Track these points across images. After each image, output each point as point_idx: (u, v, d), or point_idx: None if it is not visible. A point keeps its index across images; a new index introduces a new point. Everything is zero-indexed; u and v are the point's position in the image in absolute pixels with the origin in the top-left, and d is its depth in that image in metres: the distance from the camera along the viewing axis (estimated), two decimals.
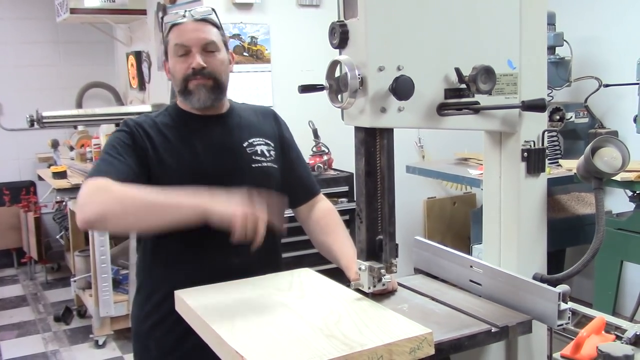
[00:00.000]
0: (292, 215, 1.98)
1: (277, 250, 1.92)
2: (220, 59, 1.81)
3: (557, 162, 3.71)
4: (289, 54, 4.22)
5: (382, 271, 1.42)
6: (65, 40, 6.17)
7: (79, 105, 6.00)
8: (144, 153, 1.74)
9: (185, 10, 1.81)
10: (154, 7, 4.83)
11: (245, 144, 1.84)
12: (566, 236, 3.52)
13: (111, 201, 1.51)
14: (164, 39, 1.85)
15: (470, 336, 1.34)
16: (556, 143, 3.91)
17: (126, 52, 5.73)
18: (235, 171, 1.80)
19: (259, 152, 1.85)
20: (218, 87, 1.81)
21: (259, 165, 1.84)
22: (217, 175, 1.76)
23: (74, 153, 4.93)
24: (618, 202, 3.56)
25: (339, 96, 1.38)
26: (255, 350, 1.20)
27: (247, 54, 4.06)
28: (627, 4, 3.83)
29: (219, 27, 1.84)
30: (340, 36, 1.35)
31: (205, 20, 1.80)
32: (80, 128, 5.27)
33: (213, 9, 1.84)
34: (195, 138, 1.81)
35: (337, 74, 1.39)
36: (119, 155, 1.70)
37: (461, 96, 1.41)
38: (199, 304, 1.45)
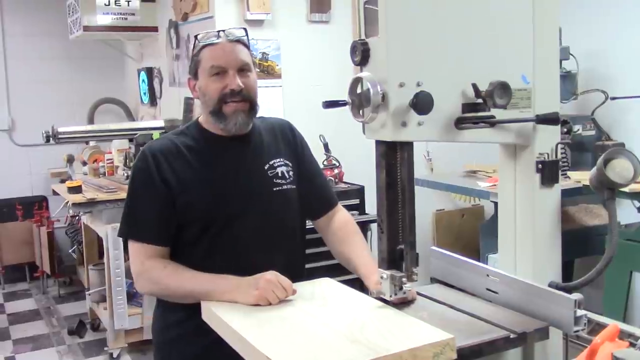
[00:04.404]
0: (311, 226, 2.03)
1: (301, 267, 1.97)
2: (253, 79, 1.84)
3: (566, 173, 3.75)
4: (300, 70, 4.28)
5: (404, 279, 1.46)
6: (77, 57, 6.24)
7: (91, 120, 6.07)
8: (165, 186, 1.79)
9: (219, 31, 1.82)
10: (166, 24, 4.92)
11: (266, 167, 1.88)
12: (575, 247, 3.54)
13: (155, 288, 1.80)
14: (194, 58, 1.84)
15: (490, 342, 1.38)
16: (564, 155, 3.95)
17: (137, 68, 5.82)
18: (258, 195, 1.84)
19: (279, 174, 1.88)
20: (253, 109, 1.84)
21: (280, 188, 1.88)
22: (240, 200, 1.82)
23: (86, 168, 4.99)
24: (626, 213, 3.59)
25: (361, 111, 1.44)
26: (286, 355, 1.24)
27: (258, 70, 4.12)
28: (632, 17, 3.88)
29: (249, 47, 1.86)
30: (361, 54, 1.41)
31: (239, 41, 1.83)
32: (91, 143, 5.34)
33: (245, 29, 1.87)
34: (219, 161, 1.84)
35: (358, 90, 1.44)
36: (145, 208, 1.80)
37: (478, 110, 1.45)
38: (227, 313, 1.49)
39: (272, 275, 1.60)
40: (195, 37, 1.85)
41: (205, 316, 1.59)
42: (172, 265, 1.77)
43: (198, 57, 1.83)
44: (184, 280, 1.73)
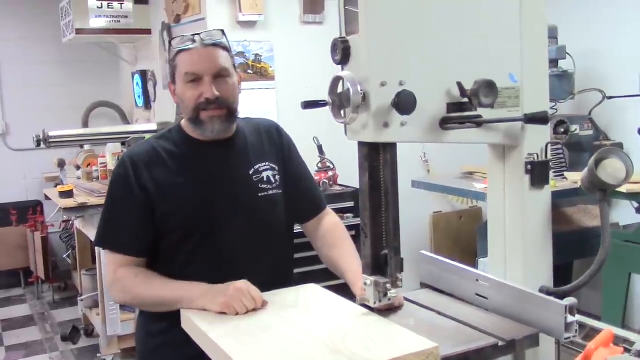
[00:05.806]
0: (300, 230, 1.98)
1: (289, 272, 1.93)
2: (232, 83, 1.77)
3: (563, 174, 3.71)
4: (293, 71, 4.24)
5: (388, 286, 1.41)
6: (70, 60, 6.21)
7: (85, 124, 6.04)
8: (145, 194, 1.74)
9: (195, 35, 1.74)
10: (159, 27, 4.88)
11: (251, 171, 1.83)
12: (573, 249, 3.50)
13: (127, 297, 1.77)
14: (171, 63, 1.78)
15: (477, 350, 1.33)
16: (561, 155, 3.91)
17: (131, 71, 5.78)
18: (242, 201, 1.79)
19: (264, 179, 1.84)
20: (231, 115, 1.78)
21: (265, 194, 1.83)
22: (224, 206, 1.76)
23: (80, 172, 4.95)
24: (625, 214, 3.55)
25: (342, 112, 1.39)
26: None
27: (251, 72, 4.09)
28: (629, 16, 3.84)
29: (228, 49, 1.79)
30: (342, 52, 1.36)
31: (216, 45, 1.75)
32: (86, 147, 5.29)
33: (222, 31, 1.78)
34: (201, 167, 1.79)
35: (339, 89, 1.39)
36: (122, 216, 1.76)
37: (463, 110, 1.41)
38: (206, 322, 1.45)
39: (242, 284, 1.55)
40: (170, 42, 1.80)
41: (184, 325, 1.54)
42: (143, 273, 1.72)
43: (174, 63, 1.76)
44: (154, 289, 1.69)
